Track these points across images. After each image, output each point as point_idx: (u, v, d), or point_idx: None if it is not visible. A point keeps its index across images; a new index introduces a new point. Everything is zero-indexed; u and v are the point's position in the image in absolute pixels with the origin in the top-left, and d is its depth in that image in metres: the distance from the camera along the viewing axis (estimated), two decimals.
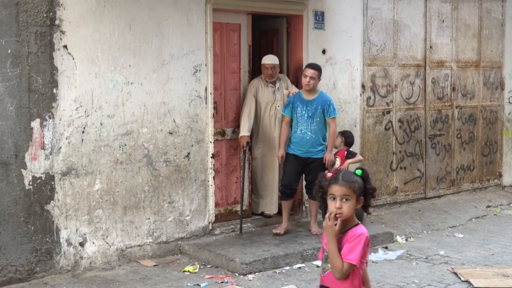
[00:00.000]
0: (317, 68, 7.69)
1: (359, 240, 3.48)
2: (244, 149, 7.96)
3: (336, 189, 3.51)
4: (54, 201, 6.51)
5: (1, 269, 6.21)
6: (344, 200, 3.50)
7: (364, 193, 3.58)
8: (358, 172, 3.62)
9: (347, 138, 8.37)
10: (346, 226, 3.54)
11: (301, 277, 6.80)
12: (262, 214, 8.46)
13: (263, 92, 8.11)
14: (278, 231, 7.75)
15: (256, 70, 8.88)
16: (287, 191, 7.79)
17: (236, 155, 8.22)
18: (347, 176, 3.57)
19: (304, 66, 8.51)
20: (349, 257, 3.46)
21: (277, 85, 8.18)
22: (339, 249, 3.49)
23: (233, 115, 8.19)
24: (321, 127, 7.69)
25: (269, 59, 8.09)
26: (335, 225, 3.48)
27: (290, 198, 7.88)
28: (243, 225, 7.99)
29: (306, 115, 7.64)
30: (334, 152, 7.99)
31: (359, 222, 3.58)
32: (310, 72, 7.61)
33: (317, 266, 7.14)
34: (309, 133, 7.66)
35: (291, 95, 8.06)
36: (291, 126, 7.86)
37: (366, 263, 3.65)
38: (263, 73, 8.11)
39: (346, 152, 8.17)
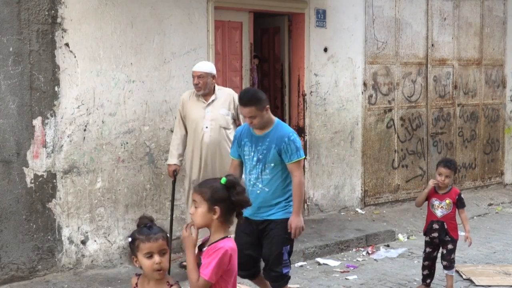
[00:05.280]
0: (254, 101, 5.02)
1: (216, 255, 3.28)
2: (172, 178, 6.65)
3: (192, 194, 3.40)
4: (56, 199, 6.52)
5: (3, 267, 6.22)
6: (195, 207, 3.35)
7: (219, 202, 3.34)
8: (223, 180, 3.38)
9: (456, 168, 6.36)
10: (213, 239, 3.38)
11: (302, 275, 6.81)
12: (181, 265, 6.57)
13: (191, 107, 6.48)
14: None
15: (258, 69, 8.90)
16: (242, 273, 4.96)
17: None
18: (204, 182, 3.42)
19: (305, 65, 8.53)
20: (203, 272, 3.27)
21: (210, 99, 6.45)
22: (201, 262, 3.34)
23: None
24: (279, 176, 5.09)
25: (197, 66, 6.50)
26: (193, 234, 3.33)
27: (253, 279, 5.37)
28: None
29: (255, 158, 5.10)
30: (443, 192, 6.13)
31: (228, 236, 3.36)
32: (245, 111, 5.05)
33: (319, 264, 7.15)
34: (260, 185, 5.09)
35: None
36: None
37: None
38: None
39: (458, 197, 6.14)
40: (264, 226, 5.10)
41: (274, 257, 5.09)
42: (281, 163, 5.04)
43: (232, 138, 5.97)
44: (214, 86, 6.50)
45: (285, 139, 5.01)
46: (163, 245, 3.17)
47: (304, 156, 5.12)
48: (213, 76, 6.47)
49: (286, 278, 5.19)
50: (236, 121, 6.53)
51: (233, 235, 3.48)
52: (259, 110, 4.98)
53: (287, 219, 5.05)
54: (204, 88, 6.40)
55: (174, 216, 7.27)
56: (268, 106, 5.07)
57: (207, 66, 6.48)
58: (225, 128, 6.44)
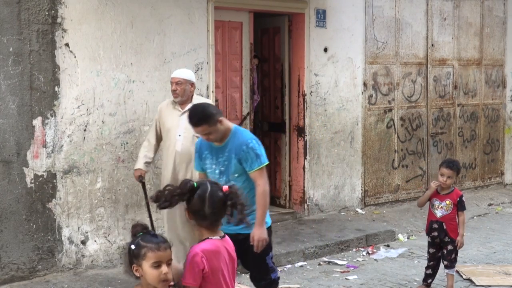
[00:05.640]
0: (204, 119, 4.77)
1: (187, 258, 3.31)
2: (139, 183, 6.49)
3: None
4: (56, 199, 6.52)
5: (3, 267, 6.22)
6: None
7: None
8: (195, 183, 3.46)
9: (459, 168, 6.28)
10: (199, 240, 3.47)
11: (302, 275, 6.81)
12: None
13: (167, 116, 6.34)
14: None
15: (258, 69, 8.90)
16: None
17: None
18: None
19: (305, 65, 8.53)
20: (182, 279, 3.30)
21: (186, 107, 6.09)
22: None
23: (235, 113, 8.20)
24: (246, 185, 4.83)
25: (176, 72, 6.34)
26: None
27: None
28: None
29: (217, 170, 4.90)
30: (445, 193, 6.15)
31: (208, 237, 3.40)
32: (198, 130, 4.89)
33: (319, 264, 7.15)
34: None
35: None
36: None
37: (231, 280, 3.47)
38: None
39: (459, 199, 6.13)
40: (241, 239, 4.69)
41: (260, 269, 5.00)
42: (246, 172, 4.82)
43: None
44: (192, 95, 6.31)
45: (243, 147, 4.76)
46: (170, 255, 3.10)
47: (267, 163, 4.84)
48: (192, 84, 6.27)
49: (276, 281, 5.11)
50: None
51: (216, 237, 3.43)
52: (212, 126, 4.75)
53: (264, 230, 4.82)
54: (181, 95, 6.22)
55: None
56: (221, 118, 4.78)
57: (187, 73, 6.30)
58: (198, 138, 6.05)
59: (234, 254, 3.53)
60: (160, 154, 6.69)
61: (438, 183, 6.12)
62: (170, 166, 6.24)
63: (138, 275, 3.09)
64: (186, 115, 5.91)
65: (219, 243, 3.42)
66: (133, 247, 3.09)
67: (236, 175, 4.82)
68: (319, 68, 8.67)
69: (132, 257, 3.08)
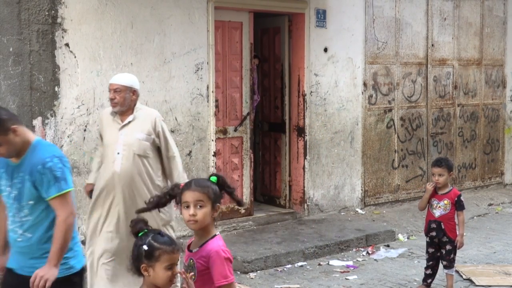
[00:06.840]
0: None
1: (216, 259, 3.23)
2: (90, 198, 5.63)
3: (189, 195, 3.24)
4: None
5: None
6: (198, 207, 3.23)
7: (219, 200, 3.33)
8: (213, 179, 3.35)
9: (449, 165, 6.17)
10: (202, 237, 3.31)
11: (302, 275, 6.81)
12: None
13: (106, 128, 5.47)
14: None
15: (258, 69, 8.89)
16: None
17: (238, 154, 8.23)
18: (200, 182, 3.32)
19: (305, 65, 8.53)
20: (222, 280, 3.22)
21: (127, 119, 5.36)
22: (195, 263, 3.27)
23: (235, 113, 8.20)
24: (44, 216, 3.75)
25: (115, 78, 5.46)
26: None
27: None
28: (244, 224, 8.05)
29: (12, 194, 3.78)
30: (443, 192, 6.14)
31: (216, 234, 3.32)
32: None
33: (319, 264, 7.15)
34: (20, 230, 3.77)
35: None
36: None
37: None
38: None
39: (457, 198, 6.11)
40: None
41: None
42: (45, 200, 3.74)
43: (150, 168, 5.36)
44: (135, 105, 5.42)
45: (39, 167, 3.67)
46: (179, 256, 3.14)
47: (70, 188, 3.74)
48: (134, 92, 5.38)
49: None
50: (160, 148, 5.44)
51: (218, 232, 3.40)
52: (1, 136, 3.65)
53: (67, 277, 3.74)
54: (121, 104, 5.32)
55: (174, 217, 7.27)
56: (15, 126, 3.70)
57: (126, 79, 5.42)
58: (140, 156, 5.32)
59: None
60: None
61: (433, 183, 6.14)
62: (106, 191, 5.35)
63: (147, 274, 3.07)
64: (126, 129, 5.34)
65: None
66: (145, 247, 3.05)
67: (31, 202, 3.73)
68: (319, 68, 8.67)
69: (143, 257, 3.05)
